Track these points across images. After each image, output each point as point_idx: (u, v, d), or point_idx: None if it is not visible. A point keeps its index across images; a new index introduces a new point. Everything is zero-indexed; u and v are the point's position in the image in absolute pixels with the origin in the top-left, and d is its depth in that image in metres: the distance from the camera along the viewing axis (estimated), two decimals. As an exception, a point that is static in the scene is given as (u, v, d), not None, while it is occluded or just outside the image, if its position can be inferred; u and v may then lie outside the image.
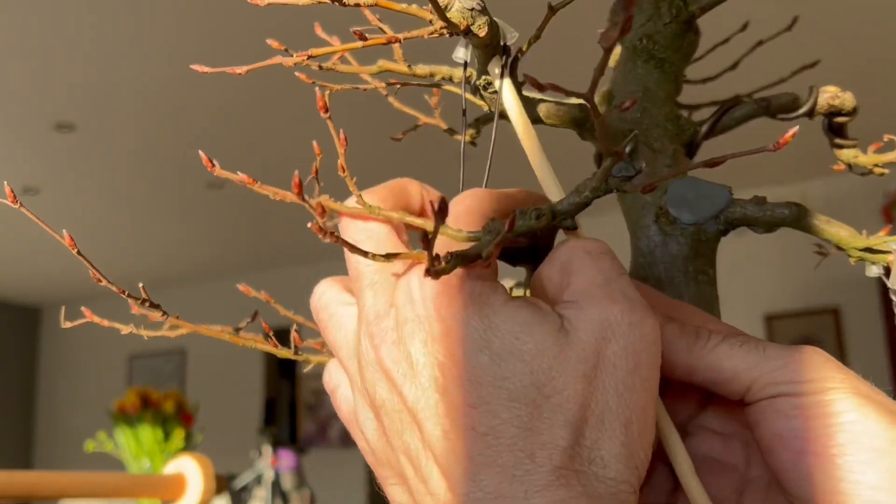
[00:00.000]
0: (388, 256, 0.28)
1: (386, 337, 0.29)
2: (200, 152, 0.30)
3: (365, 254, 0.28)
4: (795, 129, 0.30)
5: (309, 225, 0.26)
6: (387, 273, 0.30)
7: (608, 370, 0.27)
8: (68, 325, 0.39)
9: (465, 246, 0.29)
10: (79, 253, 0.36)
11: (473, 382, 0.27)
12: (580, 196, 0.29)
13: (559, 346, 0.27)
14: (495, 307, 0.28)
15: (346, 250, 0.31)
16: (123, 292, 0.38)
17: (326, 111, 0.28)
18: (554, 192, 0.34)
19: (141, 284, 0.39)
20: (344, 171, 0.29)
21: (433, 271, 0.26)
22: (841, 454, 0.27)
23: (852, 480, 0.27)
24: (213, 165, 0.29)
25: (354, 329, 0.31)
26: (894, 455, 0.27)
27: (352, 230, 0.32)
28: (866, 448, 0.27)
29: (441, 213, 0.24)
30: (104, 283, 0.37)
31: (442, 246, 0.29)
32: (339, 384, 0.33)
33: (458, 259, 0.26)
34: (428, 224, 0.30)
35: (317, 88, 0.27)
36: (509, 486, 0.25)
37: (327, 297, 0.33)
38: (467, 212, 0.31)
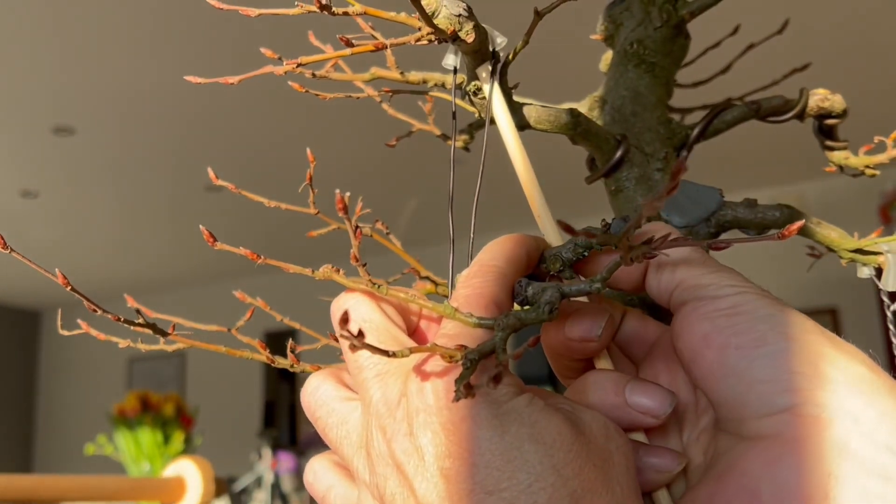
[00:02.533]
0: (400, 353, 0.28)
1: (398, 428, 0.28)
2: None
3: (386, 353, 0.27)
4: (801, 222, 0.32)
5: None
6: (395, 362, 0.30)
7: (612, 463, 0.28)
8: (66, 333, 0.40)
9: (475, 332, 0.29)
10: (73, 289, 0.36)
11: (490, 468, 0.26)
12: (591, 286, 0.30)
13: (574, 433, 0.28)
14: (508, 395, 0.28)
15: (345, 345, 0.31)
16: (119, 319, 0.38)
17: (346, 211, 0.28)
18: (551, 233, 0.35)
19: (137, 308, 0.40)
20: (357, 261, 0.30)
21: (462, 394, 0.26)
22: (763, 344, 0.29)
23: (774, 367, 0.28)
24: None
25: (358, 423, 0.31)
26: (808, 341, 0.29)
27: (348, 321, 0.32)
28: (783, 336, 0.29)
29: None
30: (99, 313, 0.37)
31: (452, 333, 0.30)
32: (331, 485, 0.32)
33: (475, 362, 0.27)
34: (440, 308, 0.30)
35: (337, 191, 0.27)
36: None
37: (322, 392, 0.33)
38: (477, 295, 0.31)
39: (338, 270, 0.31)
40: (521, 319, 0.29)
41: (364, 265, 0.30)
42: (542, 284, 0.32)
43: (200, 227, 0.32)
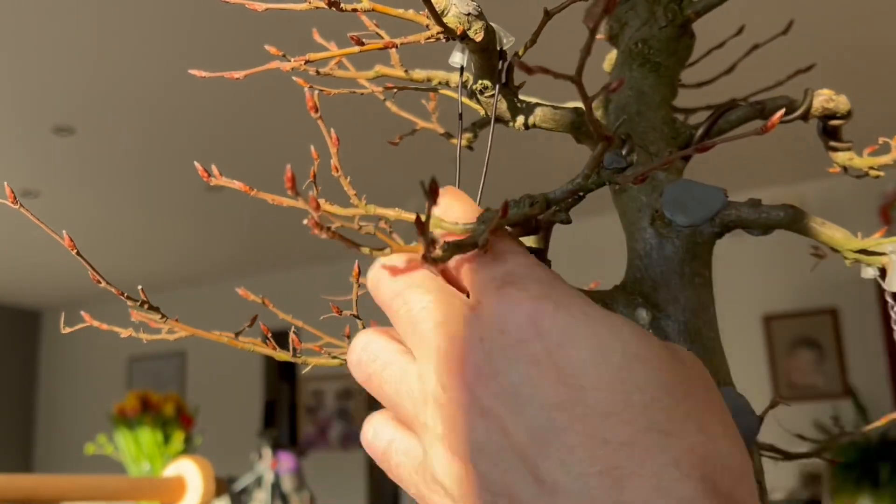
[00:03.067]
0: (383, 251, 0.28)
1: (481, 372, 0.26)
2: (196, 163, 0.30)
3: (356, 246, 0.27)
4: (781, 111, 0.31)
5: (304, 221, 0.26)
6: (452, 309, 0.28)
7: (713, 390, 0.28)
8: (68, 330, 0.39)
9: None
10: (78, 253, 0.36)
11: (600, 391, 0.25)
12: (572, 184, 0.29)
13: (672, 353, 0.27)
14: (600, 315, 0.27)
15: (385, 302, 0.30)
16: (122, 294, 0.38)
17: (317, 111, 0.28)
18: None
19: (140, 287, 0.39)
20: (337, 171, 0.29)
21: (430, 257, 0.26)
22: None
23: None
24: (210, 175, 0.30)
25: (419, 375, 0.29)
26: None
27: (390, 281, 0.30)
28: None
29: (433, 193, 0.24)
30: (103, 284, 0.37)
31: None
32: (392, 439, 0.30)
33: (455, 247, 0.26)
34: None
35: (307, 89, 0.27)
36: (657, 498, 0.24)
37: (375, 346, 0.31)
38: (474, 213, 0.31)
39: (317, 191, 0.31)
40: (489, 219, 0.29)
41: (347, 178, 0.30)
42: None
43: (196, 163, 0.32)
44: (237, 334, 0.41)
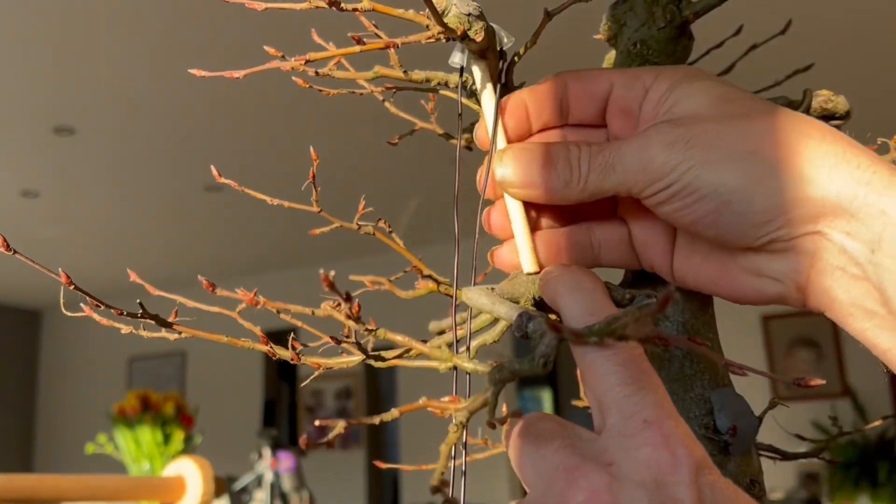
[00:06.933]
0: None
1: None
2: (213, 168, 0.30)
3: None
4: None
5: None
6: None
7: None
8: (69, 314, 0.39)
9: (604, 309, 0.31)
10: (76, 288, 0.36)
11: None
12: (589, 338, 0.29)
13: None
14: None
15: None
16: (122, 312, 0.38)
17: (332, 288, 0.28)
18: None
19: (138, 301, 0.40)
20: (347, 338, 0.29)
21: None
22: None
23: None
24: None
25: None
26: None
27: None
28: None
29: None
30: (102, 308, 0.37)
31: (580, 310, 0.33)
32: None
33: (461, 426, 0.26)
34: (437, 353, 0.30)
35: (321, 271, 0.27)
36: None
37: None
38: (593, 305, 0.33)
39: (338, 305, 0.31)
40: (515, 372, 0.28)
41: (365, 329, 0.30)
42: (542, 326, 0.31)
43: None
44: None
